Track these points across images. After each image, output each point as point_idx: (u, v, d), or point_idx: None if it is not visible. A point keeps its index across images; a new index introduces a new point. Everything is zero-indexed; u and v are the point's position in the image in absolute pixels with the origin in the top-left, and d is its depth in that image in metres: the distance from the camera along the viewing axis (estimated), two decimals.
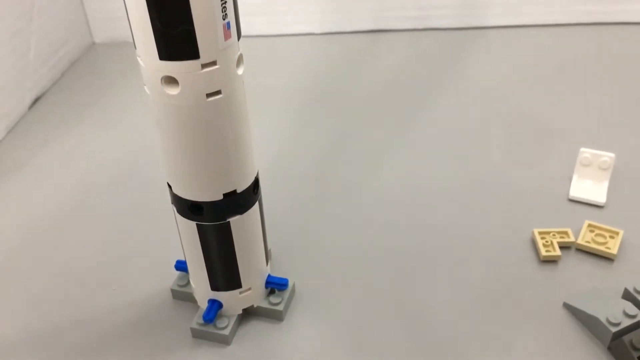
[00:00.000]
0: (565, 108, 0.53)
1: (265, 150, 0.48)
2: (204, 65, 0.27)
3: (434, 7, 0.64)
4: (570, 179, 0.45)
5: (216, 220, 0.32)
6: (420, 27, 0.65)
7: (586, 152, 0.45)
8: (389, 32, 0.65)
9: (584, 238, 0.40)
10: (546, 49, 0.61)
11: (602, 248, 0.39)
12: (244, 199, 0.32)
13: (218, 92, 0.28)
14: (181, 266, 0.38)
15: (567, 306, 0.36)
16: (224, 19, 0.27)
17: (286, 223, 0.43)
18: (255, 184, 0.33)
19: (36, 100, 0.57)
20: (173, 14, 0.26)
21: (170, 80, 0.28)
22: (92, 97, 0.58)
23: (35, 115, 0.56)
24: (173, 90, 0.28)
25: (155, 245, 0.41)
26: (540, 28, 0.64)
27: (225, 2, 0.27)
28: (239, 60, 0.29)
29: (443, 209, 0.43)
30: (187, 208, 0.32)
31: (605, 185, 0.44)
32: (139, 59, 0.28)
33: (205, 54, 0.27)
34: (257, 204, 0.33)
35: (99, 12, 0.65)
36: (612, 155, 0.44)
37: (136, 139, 0.51)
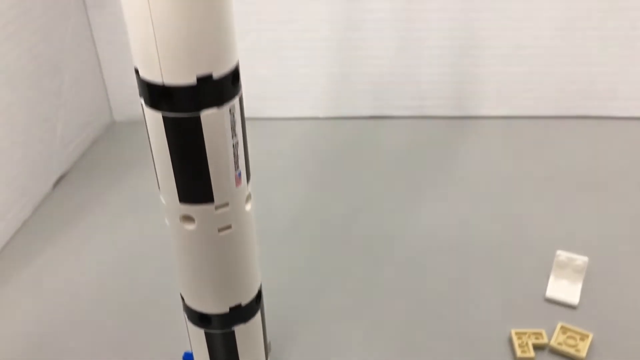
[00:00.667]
0: (547, 206, 0.57)
1: (270, 229, 0.53)
2: (217, 207, 0.32)
3: (430, 98, 0.68)
4: (547, 278, 0.49)
5: (222, 328, 0.37)
6: (417, 114, 0.70)
7: (562, 255, 0.49)
8: (389, 119, 0.70)
9: (557, 340, 0.44)
10: (533, 140, 0.66)
11: (572, 351, 0.43)
12: (248, 310, 0.37)
13: (229, 227, 0.33)
14: (189, 358, 0.42)
15: None
16: (235, 170, 0.32)
17: (289, 316, 0.47)
18: (258, 295, 0.37)
19: (60, 180, 0.62)
20: (194, 173, 0.30)
21: (188, 218, 0.32)
22: (112, 178, 0.63)
23: (59, 195, 0.61)
24: (190, 226, 0.33)
25: (164, 337, 0.45)
26: (530, 120, 0.69)
27: (237, 157, 0.31)
28: (248, 198, 0.34)
29: (431, 305, 0.47)
30: (197, 318, 0.36)
31: (579, 287, 0.48)
32: (161, 197, 0.33)
33: (219, 199, 0.32)
34: (259, 312, 0.38)
35: (120, 92, 0.70)
36: (586, 259, 0.48)
37: (152, 228, 0.56)
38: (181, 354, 0.42)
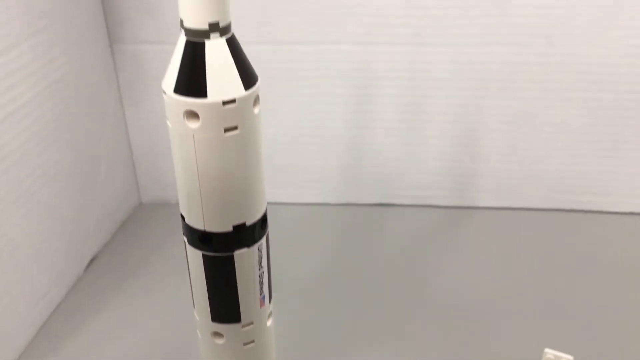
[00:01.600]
0: (536, 302, 0.62)
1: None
2: (243, 325, 0.37)
3: (432, 188, 0.74)
4: None
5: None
6: (420, 203, 0.75)
7: (549, 353, 0.54)
8: (393, 207, 0.76)
9: None
10: (527, 233, 0.71)
11: None
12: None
13: (252, 341, 0.38)
14: None
15: None
16: (260, 294, 0.37)
17: None
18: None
19: (91, 262, 0.68)
20: (226, 298, 0.36)
21: (218, 334, 0.38)
22: (140, 259, 0.68)
23: (91, 277, 0.66)
24: (219, 340, 0.38)
25: None
26: (525, 212, 0.74)
27: (262, 284, 0.37)
28: (269, 316, 0.39)
29: None
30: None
31: None
32: (195, 313, 0.38)
33: (245, 319, 0.37)
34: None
35: (148, 176, 0.76)
36: (571, 358, 0.53)
37: (177, 312, 0.61)
38: None
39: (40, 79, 0.57)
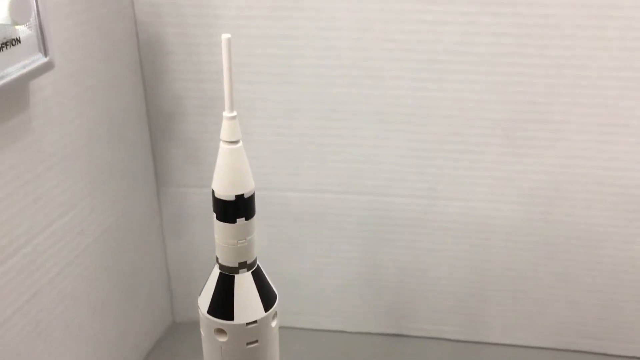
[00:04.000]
0: None
1: None
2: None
3: (444, 323, 0.80)
4: None
5: None
6: (430, 336, 0.81)
7: None
8: (407, 338, 0.81)
9: None
10: None
11: None
12: None
13: None
14: None
15: None
16: None
17: None
18: None
19: None
20: None
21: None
22: None
23: None
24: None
25: None
26: (533, 350, 0.79)
27: None
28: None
29: None
30: None
31: None
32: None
33: None
34: None
35: (183, 297, 0.84)
36: None
37: None
38: None
39: (95, 229, 0.66)
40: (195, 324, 0.87)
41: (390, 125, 0.71)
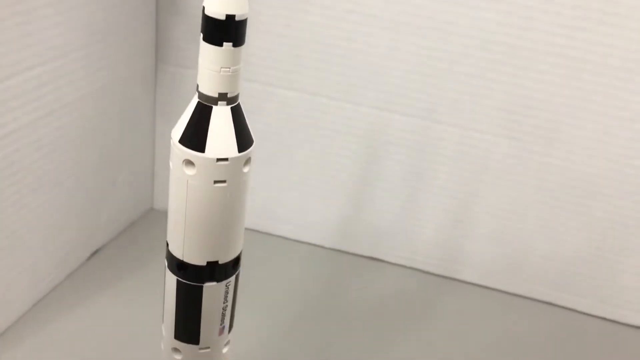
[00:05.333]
0: None
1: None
2: (201, 348, 0.42)
3: (420, 254, 0.79)
4: None
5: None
6: (407, 265, 0.80)
7: None
8: (382, 262, 0.80)
9: None
10: (507, 318, 0.75)
11: None
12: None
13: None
14: None
15: None
16: (220, 325, 0.42)
17: None
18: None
19: (94, 253, 0.74)
20: (189, 321, 0.41)
21: (176, 350, 0.43)
22: (139, 259, 0.74)
23: (91, 266, 0.72)
24: (177, 356, 0.43)
25: None
26: (505, 295, 0.78)
27: (224, 316, 0.42)
28: (227, 344, 0.44)
29: None
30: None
31: None
32: (162, 328, 0.44)
33: (203, 343, 0.42)
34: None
35: (165, 185, 0.82)
36: None
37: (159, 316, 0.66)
38: None
39: (86, 85, 0.64)
40: None
41: (403, 37, 0.68)
